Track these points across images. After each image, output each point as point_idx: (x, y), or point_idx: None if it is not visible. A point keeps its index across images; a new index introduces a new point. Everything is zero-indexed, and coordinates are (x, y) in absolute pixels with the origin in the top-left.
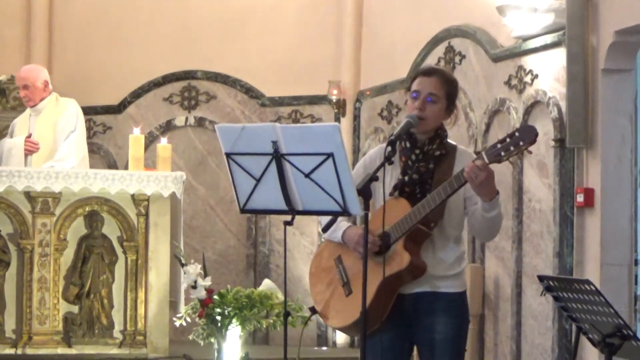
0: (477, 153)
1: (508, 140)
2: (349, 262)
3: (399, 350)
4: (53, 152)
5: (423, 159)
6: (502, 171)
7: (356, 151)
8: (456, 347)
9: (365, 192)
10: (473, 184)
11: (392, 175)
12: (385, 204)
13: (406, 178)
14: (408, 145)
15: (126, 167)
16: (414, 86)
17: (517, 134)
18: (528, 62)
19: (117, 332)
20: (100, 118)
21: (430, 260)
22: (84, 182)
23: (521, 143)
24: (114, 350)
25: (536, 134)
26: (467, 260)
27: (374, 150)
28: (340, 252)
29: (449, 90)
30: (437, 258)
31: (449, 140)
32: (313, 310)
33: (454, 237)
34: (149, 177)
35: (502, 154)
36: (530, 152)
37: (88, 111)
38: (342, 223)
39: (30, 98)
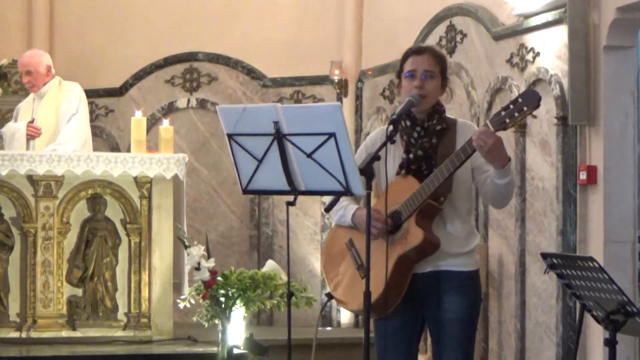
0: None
1: (512, 106)
2: (361, 245)
3: (410, 331)
4: (55, 135)
5: (425, 135)
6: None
7: (358, 131)
8: (468, 327)
9: (367, 171)
10: (483, 152)
11: (395, 156)
12: (392, 183)
13: (411, 156)
14: (408, 124)
15: (128, 150)
16: (408, 66)
17: (520, 99)
18: (530, 40)
19: (121, 315)
20: (102, 101)
21: (442, 236)
22: (86, 165)
23: (525, 108)
24: (119, 333)
25: (539, 98)
26: (478, 236)
27: (374, 133)
28: (351, 235)
29: (442, 65)
30: (449, 233)
31: (448, 115)
32: (330, 296)
33: (466, 210)
34: (151, 159)
35: (507, 120)
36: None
37: (90, 94)
38: (350, 206)
39: (33, 84)
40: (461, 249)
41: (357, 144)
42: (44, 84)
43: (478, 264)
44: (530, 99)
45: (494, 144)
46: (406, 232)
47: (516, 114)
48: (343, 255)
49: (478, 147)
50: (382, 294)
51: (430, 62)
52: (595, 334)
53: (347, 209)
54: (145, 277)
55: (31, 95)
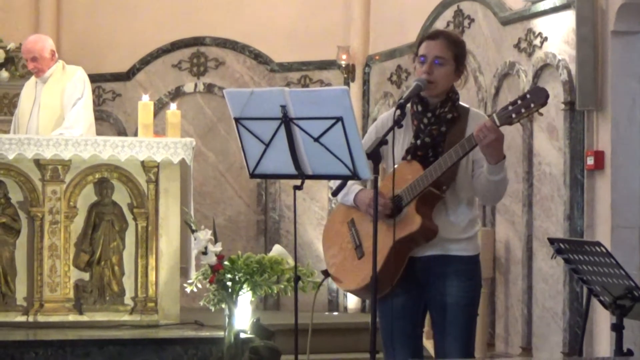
0: (489, 116)
1: (519, 102)
2: (361, 225)
3: (411, 314)
4: (61, 119)
5: (435, 122)
6: (512, 134)
7: (365, 116)
8: (468, 311)
9: (374, 155)
10: (481, 144)
11: (404, 139)
12: (397, 168)
13: (418, 142)
14: (420, 108)
15: (135, 134)
16: (421, 50)
17: (528, 96)
18: (537, 24)
19: (128, 299)
20: (109, 85)
21: (442, 223)
22: (93, 149)
23: (532, 105)
24: (125, 317)
25: (547, 96)
26: (480, 223)
27: (385, 115)
28: (353, 215)
29: (456, 51)
30: (450, 221)
31: (461, 103)
32: (326, 274)
33: (467, 199)
34: (158, 143)
35: (513, 116)
36: (541, 114)
37: (97, 79)
38: (354, 186)
39: (39, 69)
40: (460, 235)
41: (364, 129)
42: (49, 68)
43: (478, 249)
44: (538, 96)
45: (496, 139)
46: (405, 217)
47: (523, 110)
48: (343, 234)
49: (477, 139)
50: (373, 275)
51: (443, 47)
52: (602, 319)
53: (351, 189)
54: (152, 261)
55: (32, 79)
